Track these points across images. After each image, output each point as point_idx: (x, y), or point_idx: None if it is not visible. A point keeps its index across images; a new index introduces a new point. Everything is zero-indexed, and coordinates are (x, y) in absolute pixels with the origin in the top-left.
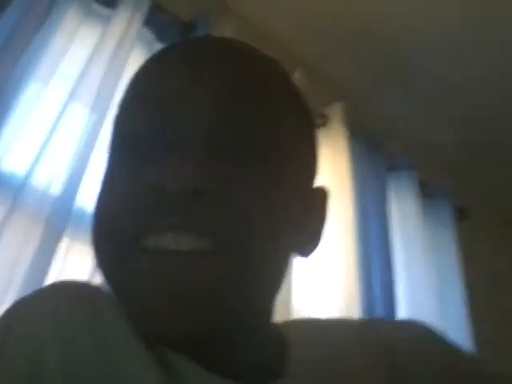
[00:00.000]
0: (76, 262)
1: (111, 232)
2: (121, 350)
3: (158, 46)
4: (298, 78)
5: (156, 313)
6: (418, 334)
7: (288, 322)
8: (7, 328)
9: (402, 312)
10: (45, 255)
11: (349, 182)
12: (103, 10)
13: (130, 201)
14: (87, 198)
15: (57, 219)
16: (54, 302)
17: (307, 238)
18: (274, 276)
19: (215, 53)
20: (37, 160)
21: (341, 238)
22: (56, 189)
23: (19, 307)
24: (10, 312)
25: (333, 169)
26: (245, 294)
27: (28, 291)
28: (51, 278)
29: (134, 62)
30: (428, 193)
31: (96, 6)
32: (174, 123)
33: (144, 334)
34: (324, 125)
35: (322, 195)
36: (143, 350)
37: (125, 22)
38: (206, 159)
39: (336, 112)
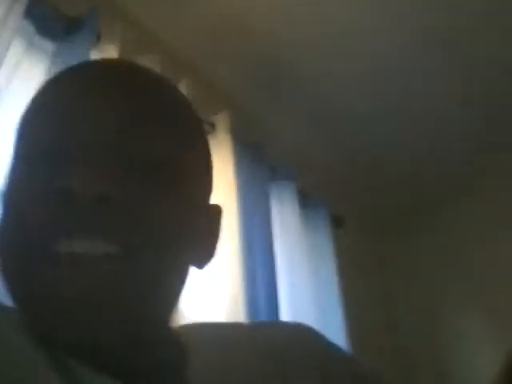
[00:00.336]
0: None
1: (19, 239)
2: (19, 361)
3: (40, 41)
4: (185, 85)
5: (59, 316)
6: (304, 336)
7: (183, 326)
8: None
9: (285, 318)
10: None
11: (233, 190)
12: None
13: (39, 208)
14: None
15: None
16: None
17: (203, 252)
18: (174, 285)
19: (114, 73)
20: None
21: (226, 245)
22: None
23: None
24: None
25: (218, 177)
26: (144, 301)
27: None
28: None
29: (13, 55)
30: (307, 202)
31: None
32: (79, 137)
33: (45, 342)
34: (210, 133)
35: (216, 211)
36: (42, 360)
37: (2, 13)
38: (109, 169)
39: (222, 120)
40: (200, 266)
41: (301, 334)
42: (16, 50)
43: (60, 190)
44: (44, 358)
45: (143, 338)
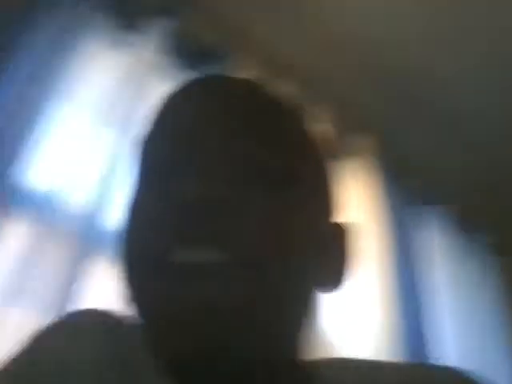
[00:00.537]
0: (101, 280)
1: (139, 250)
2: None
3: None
4: (327, 108)
5: (182, 329)
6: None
7: (326, 361)
8: (33, 360)
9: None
10: (72, 273)
11: (377, 218)
12: (131, 37)
13: (155, 218)
14: (114, 217)
15: (84, 238)
16: (73, 329)
17: (327, 274)
18: (298, 306)
19: (235, 90)
20: (66, 180)
21: (376, 272)
22: (84, 208)
23: (44, 336)
24: (36, 341)
25: (360, 201)
26: (267, 316)
27: (53, 307)
28: (77, 295)
29: (158, 86)
30: (464, 228)
31: (124, 33)
32: (198, 150)
33: (165, 362)
34: (351, 155)
35: (341, 231)
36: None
37: (149, 48)
38: (228, 178)
39: (364, 143)
40: (326, 289)
41: (453, 381)
42: (160, 80)
43: (175, 197)
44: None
45: (270, 360)
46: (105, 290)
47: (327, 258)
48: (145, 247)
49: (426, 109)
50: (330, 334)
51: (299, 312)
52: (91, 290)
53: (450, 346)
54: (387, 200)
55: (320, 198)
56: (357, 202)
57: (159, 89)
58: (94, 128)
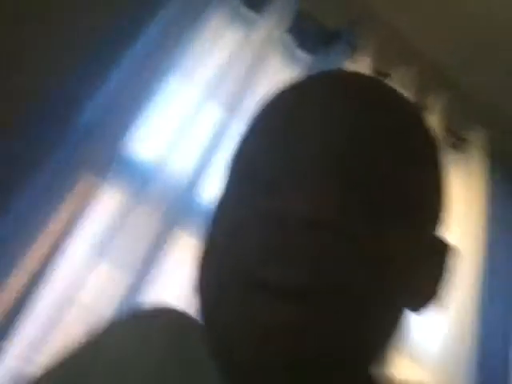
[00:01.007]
0: (185, 255)
1: (222, 262)
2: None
3: (299, 53)
4: (441, 98)
5: (261, 346)
6: None
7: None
8: (97, 353)
9: None
10: (159, 244)
11: (482, 213)
12: (250, 14)
13: (245, 231)
14: (208, 193)
15: (177, 211)
16: (146, 331)
17: (420, 294)
18: (382, 330)
19: (347, 93)
20: (167, 153)
21: (465, 280)
22: (180, 182)
23: (112, 331)
24: (104, 335)
25: (466, 197)
26: (343, 347)
27: (140, 278)
28: (162, 268)
29: (274, 66)
30: None
31: (243, 10)
32: (300, 160)
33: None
34: (462, 149)
35: (442, 248)
36: None
37: (269, 27)
38: (326, 193)
39: (477, 137)
40: (416, 309)
41: None
42: (278, 61)
43: (267, 213)
44: None
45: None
46: (183, 265)
47: (423, 277)
48: (234, 259)
49: None
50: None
51: (387, 334)
52: (171, 262)
53: None
54: (494, 198)
55: (424, 210)
56: (462, 195)
57: (276, 68)
58: (203, 103)
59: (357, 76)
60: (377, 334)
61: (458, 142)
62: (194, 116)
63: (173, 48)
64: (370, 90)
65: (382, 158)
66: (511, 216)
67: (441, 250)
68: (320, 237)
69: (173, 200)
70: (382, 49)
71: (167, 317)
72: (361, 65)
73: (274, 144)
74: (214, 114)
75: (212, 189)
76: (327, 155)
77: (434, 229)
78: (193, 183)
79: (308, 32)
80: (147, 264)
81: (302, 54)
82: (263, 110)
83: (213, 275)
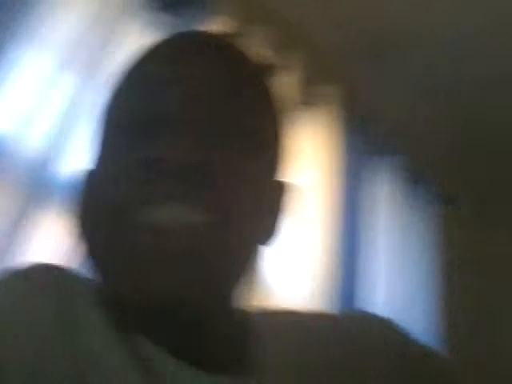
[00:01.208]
0: (52, 231)
1: (106, 206)
2: (95, 343)
3: (158, 15)
4: (297, 55)
5: (141, 277)
6: (383, 330)
7: (261, 311)
8: None
9: (377, 293)
10: (22, 221)
11: (337, 162)
12: None
13: (127, 175)
14: (69, 166)
15: (37, 186)
16: (23, 288)
17: (267, 228)
18: (248, 259)
19: (212, 50)
20: (24, 126)
21: (324, 216)
22: (40, 155)
23: None
24: None
25: (320, 148)
26: (227, 270)
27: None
28: (27, 245)
29: (132, 30)
30: (414, 178)
31: None
32: (170, 107)
33: (121, 320)
34: (316, 105)
35: (282, 188)
36: (119, 343)
37: None
38: (197, 138)
39: (327, 93)
40: (262, 242)
41: (380, 328)
42: (135, 24)
43: (149, 160)
44: (120, 343)
45: (218, 316)
46: (52, 242)
47: (269, 213)
48: (113, 204)
49: (398, 65)
50: (271, 283)
51: (243, 262)
52: (37, 242)
53: (382, 290)
54: (346, 149)
55: (273, 154)
56: (315, 151)
57: (130, 33)
58: (56, 72)
59: (210, 35)
60: (247, 263)
61: (313, 97)
62: (49, 86)
63: (22, 13)
64: (221, 48)
65: (231, 108)
66: (361, 160)
67: (282, 191)
68: (197, 177)
69: (30, 174)
70: (239, 9)
71: (41, 273)
72: (219, 25)
73: (143, 97)
74: (70, 82)
75: (72, 161)
76: (190, 106)
77: (276, 173)
78: (51, 156)
79: None
80: (7, 244)
81: (160, 16)
82: (135, 64)
83: (98, 221)
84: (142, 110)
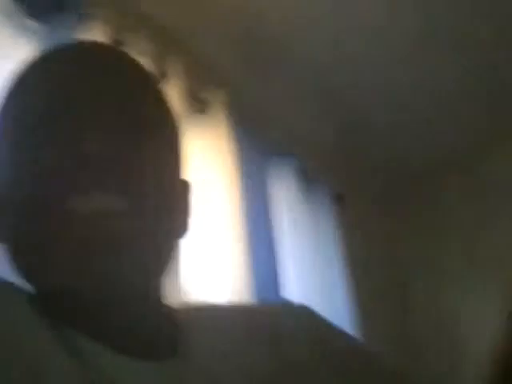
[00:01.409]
0: None
1: (29, 196)
2: (26, 336)
3: (29, 22)
4: (176, 62)
5: (71, 262)
6: (304, 320)
7: (184, 307)
8: None
9: (287, 290)
10: None
11: (232, 169)
12: None
13: (45, 168)
14: None
15: None
16: None
17: (178, 225)
18: (166, 249)
19: (97, 56)
20: None
21: (227, 221)
22: None
23: None
24: None
25: (215, 155)
26: (142, 258)
27: None
28: None
29: (2, 37)
30: (307, 178)
31: None
32: (72, 105)
33: (54, 315)
34: (204, 111)
35: (186, 187)
36: (53, 339)
37: None
38: (112, 133)
39: (217, 98)
40: (177, 235)
41: (301, 316)
42: (4, 31)
43: (70, 149)
44: (52, 336)
45: (142, 301)
46: None
47: (178, 211)
48: (39, 194)
49: (286, 68)
50: (186, 280)
51: (161, 251)
52: None
53: (294, 285)
54: (240, 153)
55: (174, 155)
56: (210, 156)
57: (5, 39)
58: None
59: (95, 45)
60: (166, 252)
61: (200, 104)
62: None
63: None
64: (105, 56)
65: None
66: (256, 164)
67: (186, 189)
68: (119, 167)
69: None
70: (117, 17)
71: None
72: (95, 33)
73: (51, 102)
74: None
75: None
76: (97, 112)
77: (179, 173)
78: None
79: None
80: None
81: (32, 23)
82: (22, 75)
83: (21, 211)
84: (41, 110)
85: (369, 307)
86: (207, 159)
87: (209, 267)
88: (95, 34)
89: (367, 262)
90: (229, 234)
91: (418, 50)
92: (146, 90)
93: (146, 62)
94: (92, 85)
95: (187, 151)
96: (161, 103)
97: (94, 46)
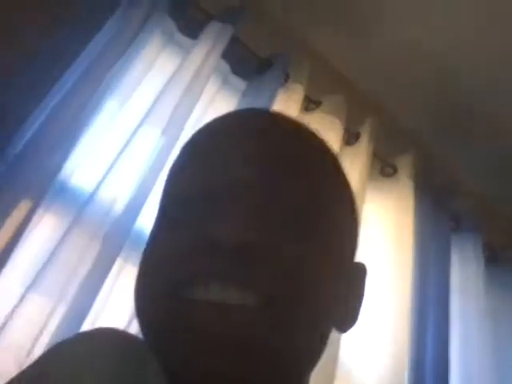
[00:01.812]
0: (126, 284)
1: (160, 278)
2: None
3: (233, 79)
4: (369, 125)
5: (196, 362)
6: None
7: None
8: (45, 372)
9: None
10: (98, 273)
11: (411, 237)
12: (185, 40)
13: (181, 250)
14: (147, 220)
15: (115, 238)
16: (92, 351)
17: (346, 314)
18: (312, 345)
19: (266, 126)
20: (104, 178)
21: (397, 296)
22: (118, 209)
23: (58, 351)
24: (49, 355)
25: (396, 222)
26: (283, 353)
27: (77, 308)
28: (101, 297)
29: (209, 91)
30: (494, 258)
31: (178, 36)
32: (227, 186)
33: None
34: (391, 176)
35: (361, 271)
36: None
37: (204, 53)
38: (257, 218)
39: (404, 163)
40: (341, 329)
41: None
42: (212, 86)
43: (206, 237)
44: None
45: None
46: (124, 294)
47: (349, 298)
48: (167, 278)
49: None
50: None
51: (317, 350)
52: (112, 292)
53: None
54: (421, 223)
55: (341, 235)
56: (393, 220)
57: (211, 94)
58: (140, 128)
59: (276, 115)
60: (312, 348)
61: (387, 168)
62: (131, 141)
63: (109, 72)
64: (284, 128)
65: (303, 193)
66: (438, 237)
67: (361, 275)
68: (251, 257)
69: (110, 227)
70: (314, 77)
71: (110, 337)
72: (293, 92)
73: (198, 174)
74: (151, 138)
75: (150, 216)
76: (254, 193)
77: (353, 256)
78: (131, 210)
79: (242, 59)
80: (85, 294)
81: (236, 81)
82: (189, 142)
83: (154, 294)
84: (204, 185)
85: None
86: (388, 226)
87: (368, 346)
88: (293, 93)
89: None
90: (396, 311)
91: None
92: (319, 171)
93: (340, 122)
94: (257, 161)
95: (367, 216)
96: (333, 185)
97: (273, 117)
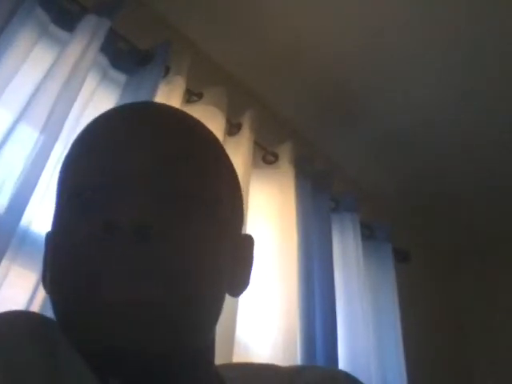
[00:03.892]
0: (14, 286)
1: (70, 273)
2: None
3: (113, 73)
4: (249, 116)
5: (100, 336)
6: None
7: (223, 365)
8: None
9: (341, 354)
10: None
11: (294, 218)
12: (61, 33)
13: (84, 242)
14: (32, 220)
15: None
16: (2, 334)
17: (237, 281)
18: (214, 313)
19: (156, 115)
20: None
21: (284, 274)
22: None
23: None
24: None
25: (280, 207)
26: (189, 325)
27: None
28: None
29: (88, 86)
30: (370, 234)
31: (53, 28)
32: (124, 174)
33: (96, 367)
34: (273, 163)
35: (249, 242)
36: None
37: (81, 47)
38: (151, 202)
39: (285, 151)
40: (234, 294)
41: (336, 380)
42: (91, 81)
43: (105, 223)
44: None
45: (190, 366)
46: (14, 296)
47: (237, 266)
48: (76, 272)
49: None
50: (240, 336)
51: (214, 315)
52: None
53: (348, 346)
54: (303, 206)
55: (229, 212)
56: (276, 205)
57: (90, 89)
58: (16, 125)
59: (164, 107)
60: (213, 316)
61: (269, 156)
62: (7, 141)
63: None
64: (173, 118)
65: (193, 176)
66: (319, 217)
67: (249, 246)
68: (154, 241)
69: None
70: (194, 70)
71: (21, 318)
72: (174, 85)
73: (94, 164)
74: (27, 136)
75: (34, 215)
76: (148, 177)
77: (240, 227)
78: (12, 212)
79: (121, 52)
80: None
81: (116, 74)
82: (83, 134)
83: (68, 286)
84: (101, 174)
85: (427, 374)
86: (272, 210)
87: (261, 321)
88: (174, 85)
89: (428, 326)
90: (284, 288)
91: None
92: (204, 155)
93: (222, 114)
94: (149, 150)
95: (252, 202)
96: (219, 166)
97: (161, 109)
